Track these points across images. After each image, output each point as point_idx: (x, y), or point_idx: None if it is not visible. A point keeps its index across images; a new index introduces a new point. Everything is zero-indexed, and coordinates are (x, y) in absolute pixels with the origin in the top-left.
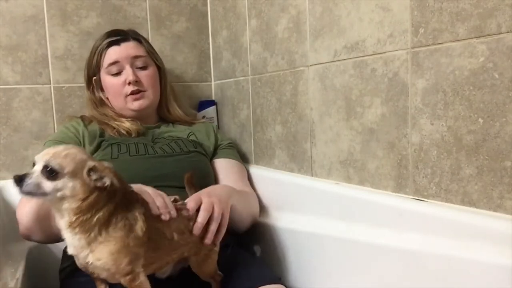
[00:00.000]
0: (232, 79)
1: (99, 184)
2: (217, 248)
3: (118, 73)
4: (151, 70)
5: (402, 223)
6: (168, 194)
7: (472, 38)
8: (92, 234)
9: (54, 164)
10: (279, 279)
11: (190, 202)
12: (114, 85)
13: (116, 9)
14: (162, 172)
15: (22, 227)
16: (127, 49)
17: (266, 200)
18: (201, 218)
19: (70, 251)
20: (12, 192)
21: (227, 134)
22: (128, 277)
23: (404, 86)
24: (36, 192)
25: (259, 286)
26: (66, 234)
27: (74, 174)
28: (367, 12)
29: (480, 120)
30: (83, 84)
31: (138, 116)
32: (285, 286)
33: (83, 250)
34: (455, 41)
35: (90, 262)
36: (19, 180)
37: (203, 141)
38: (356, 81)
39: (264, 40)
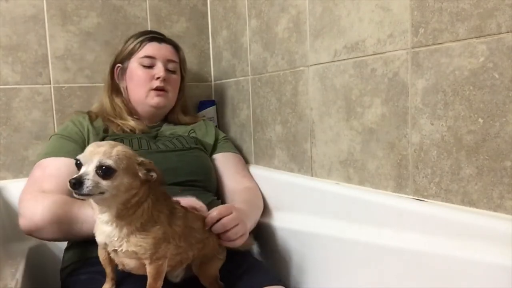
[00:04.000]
0: (232, 79)
1: (148, 177)
2: (221, 257)
3: (148, 67)
4: (178, 77)
5: (402, 223)
6: (173, 190)
7: (472, 38)
8: (138, 224)
9: (110, 162)
10: (279, 280)
11: (221, 209)
12: (142, 76)
13: (116, 9)
14: (165, 167)
15: (31, 224)
16: (166, 50)
17: (266, 200)
18: (222, 225)
19: (101, 239)
20: (12, 192)
21: (227, 134)
22: (159, 262)
23: (404, 86)
24: (94, 193)
25: None
26: (105, 226)
27: (128, 170)
28: (367, 12)
29: (480, 120)
30: (83, 84)
31: (149, 114)
32: (286, 287)
33: (120, 239)
34: (455, 41)
35: (123, 250)
36: (78, 183)
37: (203, 138)
38: (356, 81)
39: (264, 40)
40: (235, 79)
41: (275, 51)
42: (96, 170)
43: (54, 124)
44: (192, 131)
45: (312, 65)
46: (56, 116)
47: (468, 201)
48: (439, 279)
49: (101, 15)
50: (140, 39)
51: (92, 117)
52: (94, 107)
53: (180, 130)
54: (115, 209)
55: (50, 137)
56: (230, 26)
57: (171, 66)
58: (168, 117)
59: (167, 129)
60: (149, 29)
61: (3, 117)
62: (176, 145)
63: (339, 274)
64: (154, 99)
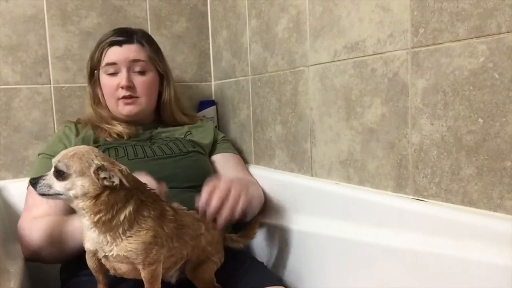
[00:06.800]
0: (232, 79)
1: (107, 183)
2: (216, 259)
3: (114, 74)
4: (149, 77)
5: (402, 223)
6: (171, 196)
7: (472, 38)
8: (120, 231)
9: (61, 165)
10: (280, 280)
11: (207, 187)
12: (108, 86)
13: (116, 9)
14: (163, 174)
15: (30, 252)
16: (127, 52)
17: (266, 200)
18: (212, 207)
19: (90, 246)
20: (12, 192)
21: (227, 134)
22: (153, 267)
23: (404, 86)
24: (49, 193)
25: None
26: (90, 232)
27: (81, 173)
28: (367, 12)
29: (480, 120)
30: (83, 84)
31: (130, 121)
32: (286, 287)
33: (108, 245)
34: (455, 41)
35: (114, 255)
36: (34, 183)
37: (200, 139)
38: (356, 81)
39: (264, 40)
40: (235, 79)
41: (275, 51)
42: (53, 172)
43: (54, 124)
44: (189, 133)
45: (312, 65)
46: (56, 116)
47: (468, 201)
48: (439, 279)
49: (101, 15)
50: (102, 45)
51: (81, 126)
52: (84, 115)
53: (176, 132)
54: (87, 216)
55: (39, 154)
56: (230, 26)
57: (137, 67)
58: (163, 117)
59: (163, 131)
60: (148, 29)
61: (3, 117)
62: (173, 150)
63: (339, 274)
64: (124, 109)
